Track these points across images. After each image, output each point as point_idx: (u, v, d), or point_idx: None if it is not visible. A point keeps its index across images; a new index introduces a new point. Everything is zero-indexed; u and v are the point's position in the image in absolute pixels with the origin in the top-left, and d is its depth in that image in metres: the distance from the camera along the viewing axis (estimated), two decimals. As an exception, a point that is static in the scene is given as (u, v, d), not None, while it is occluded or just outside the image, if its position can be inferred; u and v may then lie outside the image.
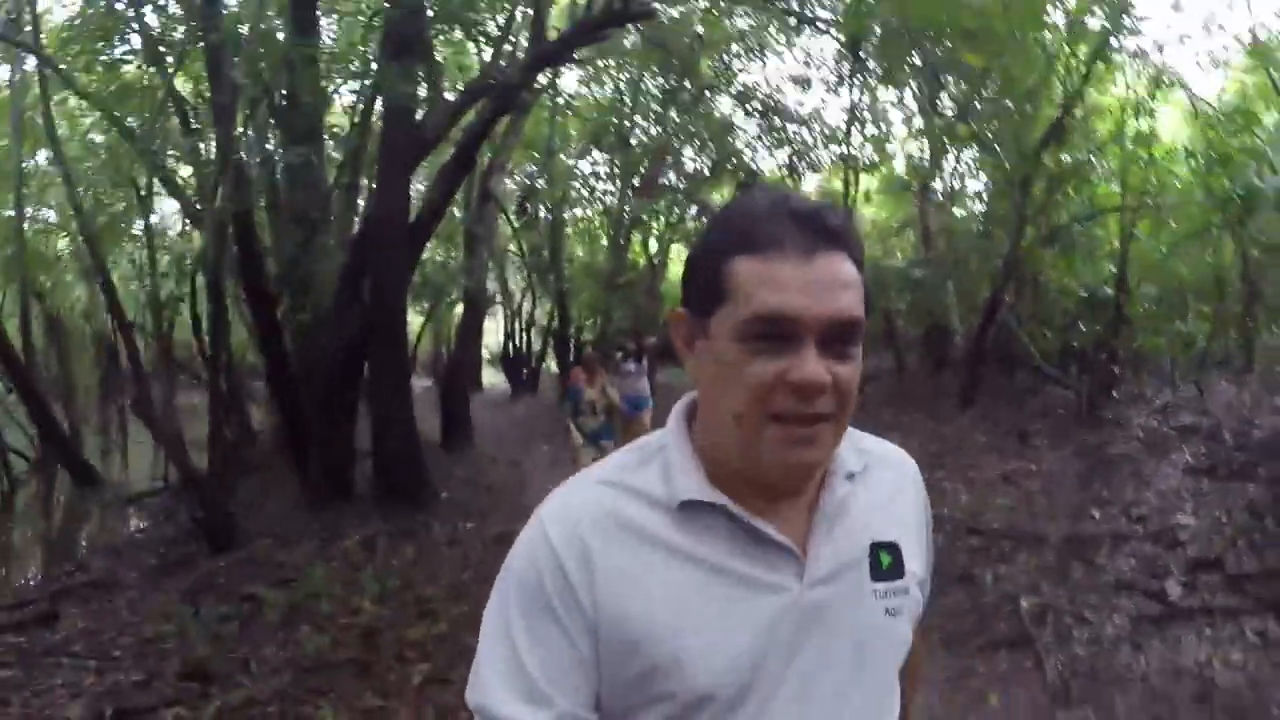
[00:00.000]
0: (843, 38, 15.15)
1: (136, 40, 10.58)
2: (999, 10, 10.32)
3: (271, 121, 10.36)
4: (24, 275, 15.50)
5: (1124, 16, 10.47)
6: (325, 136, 11.22)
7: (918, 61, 13.97)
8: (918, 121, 17.02)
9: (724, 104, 21.60)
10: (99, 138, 14.14)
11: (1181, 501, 7.23)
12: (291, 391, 9.69)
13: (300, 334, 9.81)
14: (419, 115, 9.27)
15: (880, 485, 1.16)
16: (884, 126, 18.77)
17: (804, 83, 19.86)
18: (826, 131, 19.71)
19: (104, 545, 9.73)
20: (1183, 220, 10.16)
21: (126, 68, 11.29)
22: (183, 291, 12.24)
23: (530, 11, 9.63)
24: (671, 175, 22.71)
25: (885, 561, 1.11)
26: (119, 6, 10.33)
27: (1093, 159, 11.87)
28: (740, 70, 20.47)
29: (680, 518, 1.04)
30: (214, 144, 9.57)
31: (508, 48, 11.04)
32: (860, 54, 15.41)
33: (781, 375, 0.97)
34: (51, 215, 18.02)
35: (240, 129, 9.12)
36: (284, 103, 10.01)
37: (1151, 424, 9.66)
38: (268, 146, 10.13)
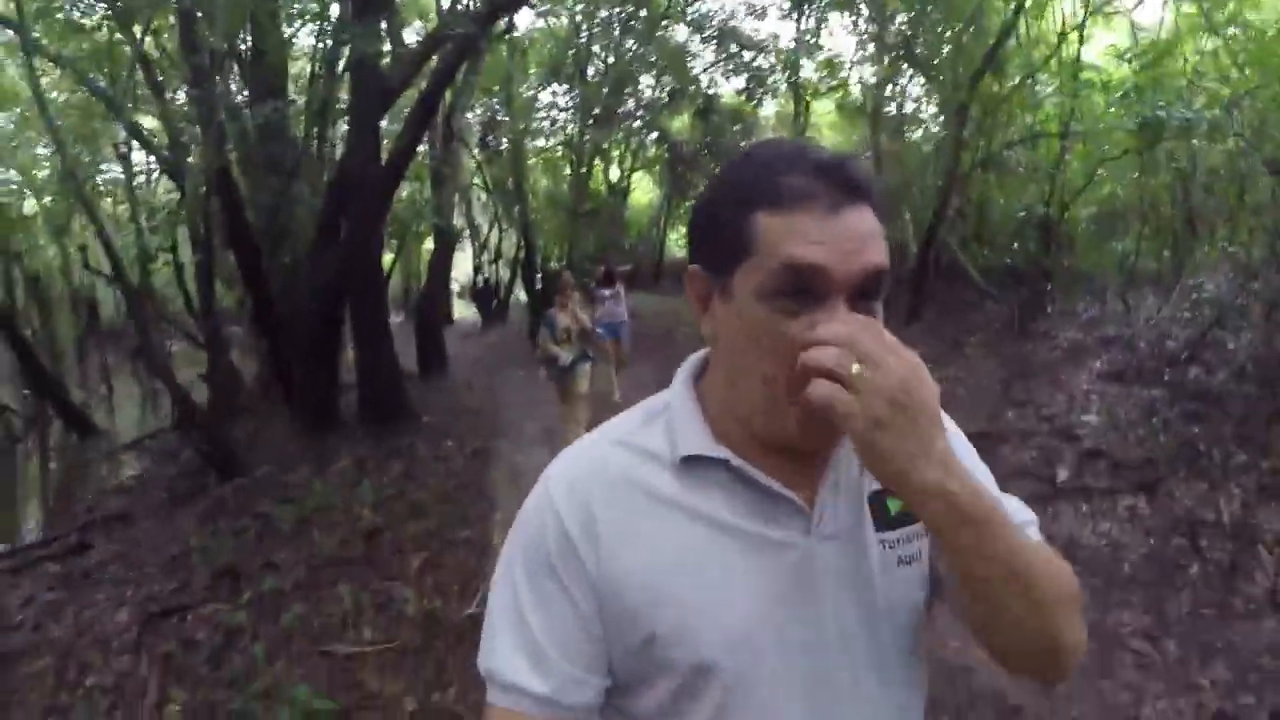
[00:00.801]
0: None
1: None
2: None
3: (238, 77, 11.03)
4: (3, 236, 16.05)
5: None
6: (291, 88, 11.91)
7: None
8: (870, 47, 17.75)
9: (680, 32, 22.26)
10: (62, 96, 14.59)
11: (1089, 403, 8.24)
12: (277, 332, 10.52)
13: (283, 278, 10.58)
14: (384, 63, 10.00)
15: None
16: (834, 52, 19.57)
17: (759, 11, 20.53)
18: (781, 58, 20.40)
19: (114, 487, 10.59)
20: (1110, 146, 11.01)
21: (89, 22, 11.79)
22: (165, 244, 12.92)
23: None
24: (630, 103, 23.35)
25: (894, 508, 1.08)
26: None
27: (1031, 85, 12.71)
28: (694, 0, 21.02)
29: (683, 474, 1.04)
30: (183, 101, 10.31)
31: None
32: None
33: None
34: (14, 175, 18.51)
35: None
36: (250, 58, 10.68)
37: (1077, 336, 10.64)
38: (238, 102, 10.80)
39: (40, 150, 18.37)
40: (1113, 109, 10.53)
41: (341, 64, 11.03)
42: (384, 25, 9.67)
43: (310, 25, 12.37)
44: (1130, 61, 11.43)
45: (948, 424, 1.09)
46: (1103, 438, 7.26)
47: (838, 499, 1.06)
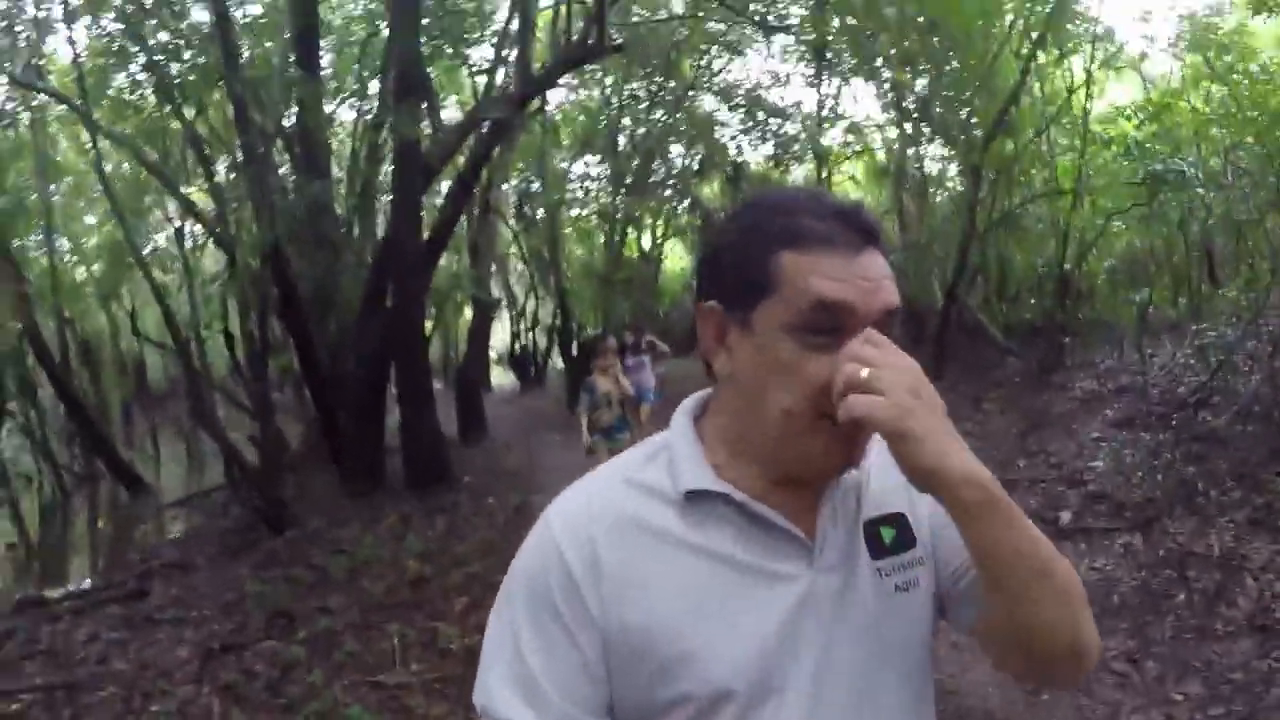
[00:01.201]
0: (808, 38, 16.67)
1: (139, 70, 11.88)
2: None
3: (285, 154, 11.85)
4: (59, 303, 17.00)
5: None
6: (335, 166, 12.74)
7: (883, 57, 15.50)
8: (891, 111, 18.40)
9: (708, 101, 23.06)
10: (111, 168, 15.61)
11: (1097, 450, 8.64)
12: (326, 396, 11.17)
13: (330, 345, 11.26)
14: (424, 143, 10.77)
15: (884, 460, 1.10)
16: (855, 117, 20.25)
17: (783, 79, 21.28)
18: (807, 123, 21.11)
19: (167, 540, 11.24)
20: (1116, 200, 11.52)
21: (142, 102, 12.70)
22: (215, 312, 13.73)
23: (516, 49, 11.11)
24: (661, 172, 24.12)
25: (888, 535, 1.12)
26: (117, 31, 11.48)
27: (1044, 142, 13.28)
28: (721, 70, 21.84)
29: (686, 510, 1.06)
30: (230, 176, 11.14)
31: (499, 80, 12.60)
32: (826, 54, 16.96)
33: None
34: (65, 243, 19.54)
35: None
36: (296, 136, 11.49)
37: (1092, 386, 11.03)
38: (286, 179, 11.62)
39: (89, 220, 19.56)
40: (1117, 164, 11.07)
41: (384, 142, 11.84)
42: (424, 106, 10.43)
43: (352, 101, 13.31)
44: (1130, 118, 11.98)
45: None
46: (1107, 481, 7.66)
47: (837, 530, 1.09)
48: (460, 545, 8.13)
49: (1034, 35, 12.14)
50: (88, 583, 9.87)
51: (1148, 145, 10.45)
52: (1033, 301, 12.64)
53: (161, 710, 5.43)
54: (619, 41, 10.56)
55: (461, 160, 11.85)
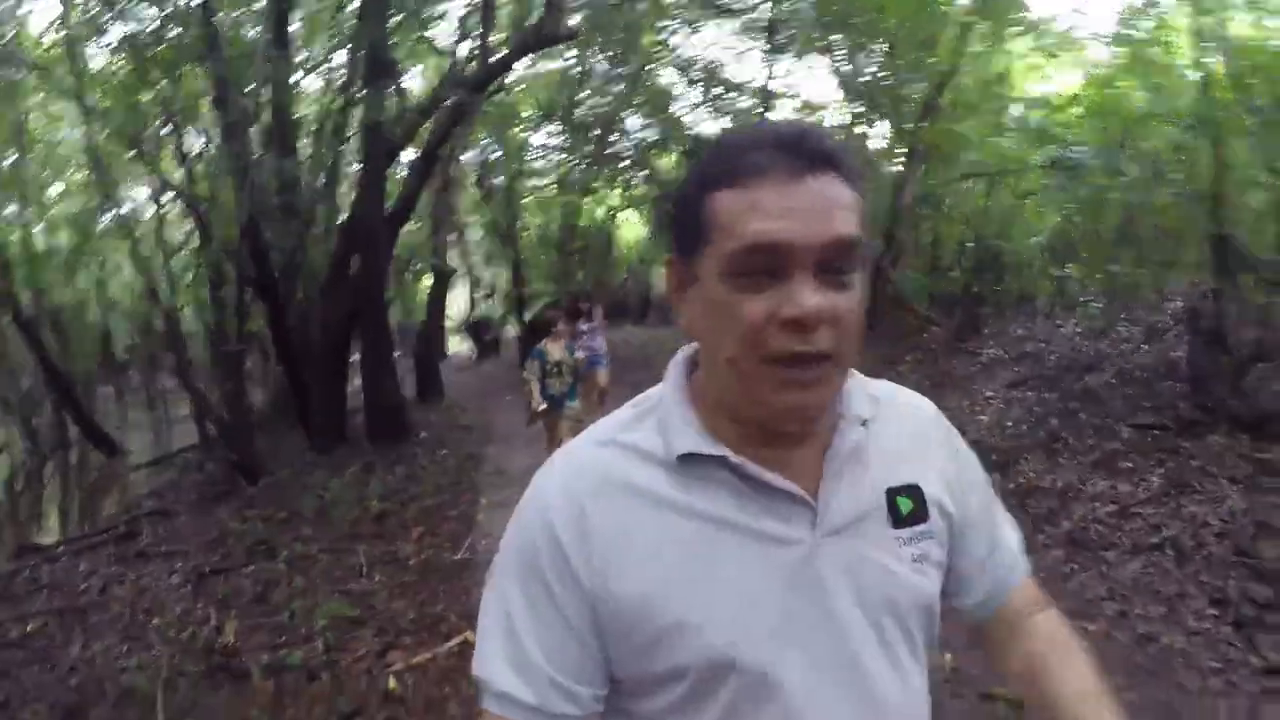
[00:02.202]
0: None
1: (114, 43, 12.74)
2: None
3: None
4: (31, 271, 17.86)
5: None
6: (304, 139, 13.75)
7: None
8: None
9: (666, 75, 24.07)
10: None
11: (987, 406, 9.94)
12: (294, 359, 12.24)
13: (299, 312, 12.33)
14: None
15: (896, 430, 1.15)
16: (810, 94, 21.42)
17: (741, 55, 22.36)
18: (758, 99, 22.21)
19: (148, 494, 12.32)
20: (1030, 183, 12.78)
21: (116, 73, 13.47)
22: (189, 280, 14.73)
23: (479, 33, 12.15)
24: (620, 143, 25.09)
25: (905, 507, 1.10)
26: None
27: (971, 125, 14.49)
28: (679, 46, 22.82)
29: (680, 473, 1.05)
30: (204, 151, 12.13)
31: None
32: (776, 33, 18.15)
33: (774, 312, 0.94)
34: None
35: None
36: (271, 114, 12.47)
37: (998, 352, 12.30)
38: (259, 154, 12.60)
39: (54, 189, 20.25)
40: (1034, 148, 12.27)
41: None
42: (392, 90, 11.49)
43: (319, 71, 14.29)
44: (1052, 106, 13.19)
45: (959, 443, 1.23)
46: (988, 433, 8.94)
47: (843, 492, 1.07)
48: (416, 487, 9.32)
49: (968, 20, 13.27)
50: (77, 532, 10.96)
51: (1054, 131, 11.63)
52: (951, 274, 13.88)
53: (163, 622, 6.54)
54: (575, 27, 11.61)
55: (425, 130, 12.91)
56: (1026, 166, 12.23)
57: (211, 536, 8.59)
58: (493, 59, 11.77)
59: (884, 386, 1.21)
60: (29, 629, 6.83)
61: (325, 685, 4.96)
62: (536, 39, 11.50)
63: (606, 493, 1.05)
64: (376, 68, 11.29)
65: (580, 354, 9.21)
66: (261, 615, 6.28)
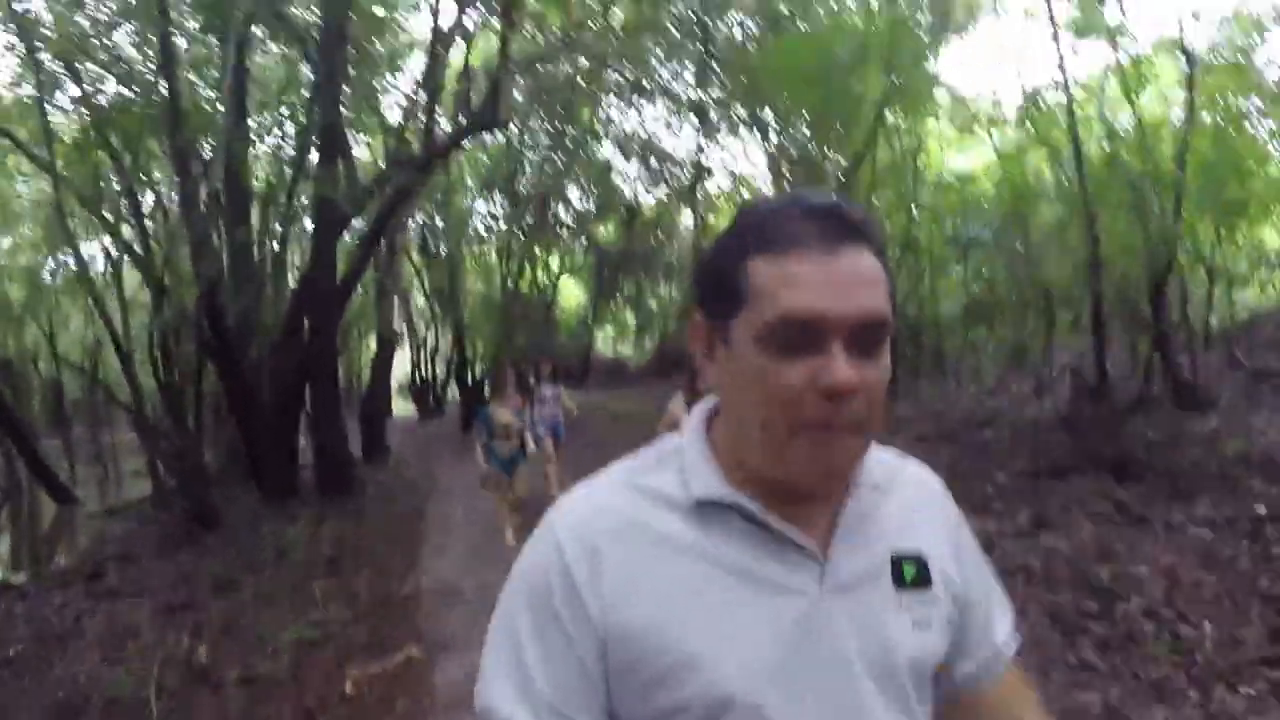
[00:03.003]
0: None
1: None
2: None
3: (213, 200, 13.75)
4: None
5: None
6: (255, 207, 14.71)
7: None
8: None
9: (606, 148, 25.39)
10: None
11: (890, 460, 11.05)
12: (247, 416, 13.05)
13: (250, 370, 13.15)
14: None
15: (904, 499, 1.21)
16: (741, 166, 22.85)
17: (676, 130, 23.76)
18: (690, 172, 23.60)
19: (104, 539, 12.99)
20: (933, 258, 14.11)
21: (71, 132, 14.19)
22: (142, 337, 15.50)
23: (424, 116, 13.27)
24: (560, 212, 26.30)
25: (909, 573, 1.15)
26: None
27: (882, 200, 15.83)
28: (617, 120, 24.16)
29: (696, 518, 1.10)
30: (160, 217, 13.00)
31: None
32: (706, 116, 19.52)
33: (810, 381, 1.00)
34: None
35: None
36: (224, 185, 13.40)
37: (910, 411, 13.50)
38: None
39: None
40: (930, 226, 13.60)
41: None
42: (341, 168, 12.53)
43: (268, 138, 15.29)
44: (958, 184, 14.60)
45: (961, 520, 1.28)
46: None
47: (852, 551, 1.12)
48: (365, 534, 10.21)
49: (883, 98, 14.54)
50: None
51: (950, 211, 12.99)
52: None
53: (138, 646, 7.32)
54: (503, 118, 12.79)
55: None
56: (930, 241, 13.57)
57: (175, 577, 9.34)
58: (436, 141, 12.88)
59: (893, 455, 1.27)
60: (10, 653, 7.55)
61: (291, 691, 5.82)
62: (479, 121, 12.63)
63: (621, 532, 1.09)
64: (328, 145, 12.34)
65: (541, 426, 9.65)
66: (230, 640, 7.11)
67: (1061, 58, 11.63)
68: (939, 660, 1.18)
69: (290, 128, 15.54)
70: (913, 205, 14.53)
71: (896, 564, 1.16)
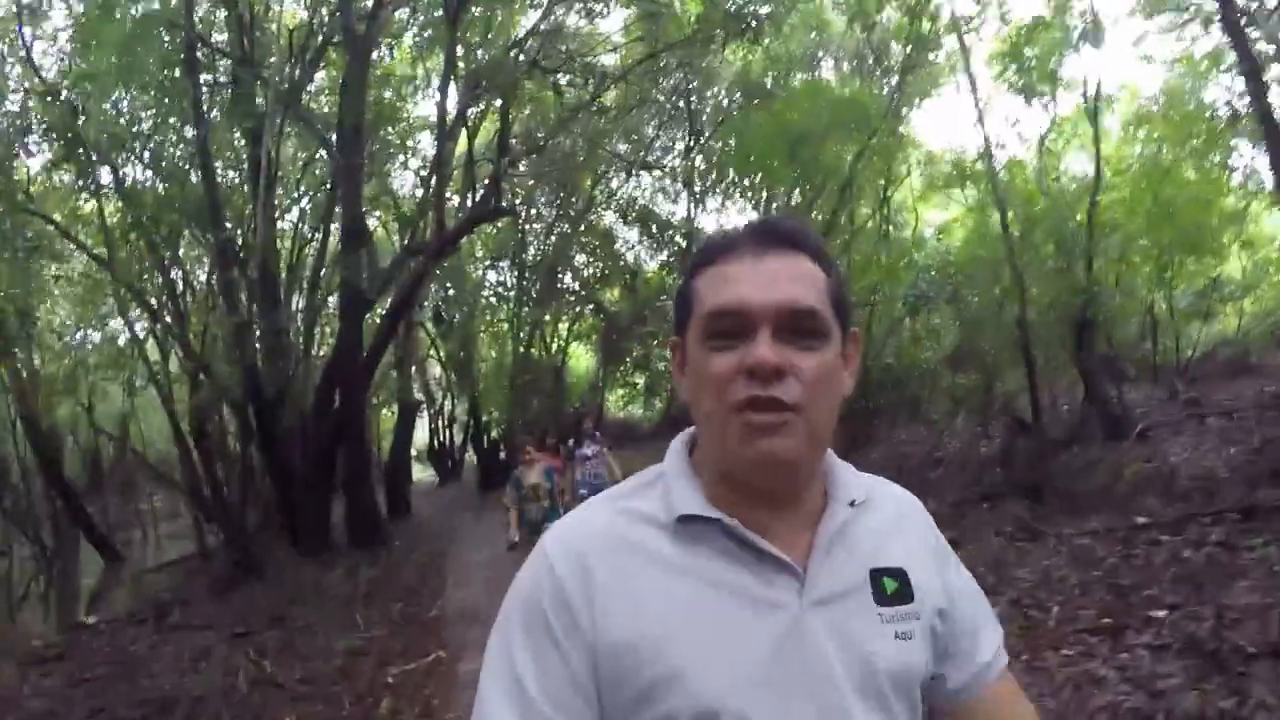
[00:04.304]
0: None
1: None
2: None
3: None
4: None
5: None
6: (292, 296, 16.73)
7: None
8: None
9: (608, 217, 27.28)
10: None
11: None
12: (283, 477, 14.89)
13: (285, 439, 15.01)
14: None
15: (883, 516, 1.29)
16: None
17: (674, 197, 25.63)
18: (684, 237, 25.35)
19: (156, 589, 14.84)
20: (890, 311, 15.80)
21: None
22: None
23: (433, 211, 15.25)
24: (568, 278, 28.05)
25: (890, 587, 1.22)
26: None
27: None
28: (618, 191, 26.03)
29: (678, 534, 1.18)
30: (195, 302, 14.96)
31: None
32: (693, 186, 21.51)
33: (739, 364, 1.12)
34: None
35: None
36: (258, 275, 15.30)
37: (880, 455, 15.15)
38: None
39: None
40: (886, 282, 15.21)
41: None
42: (364, 257, 14.49)
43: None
44: (916, 246, 16.36)
45: (940, 535, 1.36)
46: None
47: (831, 566, 1.19)
48: (395, 576, 12.01)
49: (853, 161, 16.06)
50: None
51: (901, 270, 14.69)
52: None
53: (207, 667, 9.08)
54: (512, 208, 14.78)
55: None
56: (891, 296, 15.23)
57: (231, 613, 11.12)
58: (445, 231, 14.84)
59: (874, 478, 1.36)
60: (100, 672, 9.31)
61: (345, 686, 7.59)
62: (482, 213, 14.64)
63: (610, 551, 1.17)
64: (351, 236, 14.31)
65: (583, 489, 9.48)
66: (288, 655, 8.88)
67: (981, 118, 13.39)
68: (923, 673, 1.23)
69: (309, 213, 17.72)
70: (880, 260, 16.12)
71: (877, 578, 1.22)
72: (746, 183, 20.68)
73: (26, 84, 14.64)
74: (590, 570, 1.15)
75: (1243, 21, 10.40)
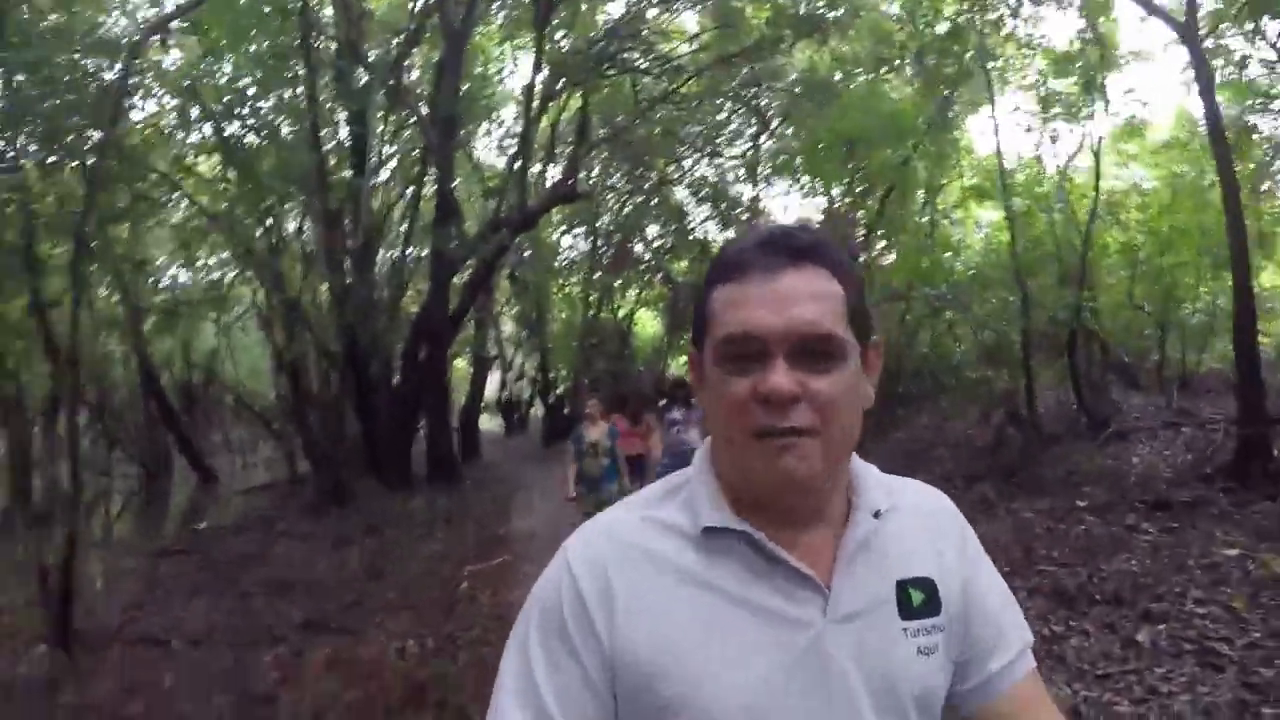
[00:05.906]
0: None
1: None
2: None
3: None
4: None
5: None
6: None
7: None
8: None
9: (680, 192, 29.22)
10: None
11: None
12: (370, 418, 17.58)
13: (375, 385, 17.66)
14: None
15: (911, 523, 1.29)
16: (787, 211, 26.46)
17: (742, 177, 27.58)
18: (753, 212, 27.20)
19: (248, 510, 17.62)
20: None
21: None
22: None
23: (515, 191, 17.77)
24: (639, 248, 29.61)
25: (916, 599, 1.23)
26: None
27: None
28: (691, 167, 27.79)
29: (703, 546, 1.20)
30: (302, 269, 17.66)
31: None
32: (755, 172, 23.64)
33: (753, 391, 1.12)
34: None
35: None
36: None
37: (904, 436, 17.35)
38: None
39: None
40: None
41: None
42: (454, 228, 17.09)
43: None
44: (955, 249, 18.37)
45: (973, 538, 1.35)
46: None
47: (855, 580, 1.21)
48: (468, 507, 14.73)
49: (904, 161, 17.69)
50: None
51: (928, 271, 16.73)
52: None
53: (317, 561, 11.72)
54: (588, 190, 17.24)
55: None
56: (916, 295, 17.19)
57: (327, 530, 13.73)
58: (528, 206, 17.38)
59: (901, 481, 1.36)
60: (220, 564, 11.88)
61: (432, 579, 10.22)
62: (558, 196, 17.17)
63: (631, 562, 1.20)
64: (443, 208, 16.94)
65: (667, 457, 9.11)
66: (383, 558, 11.52)
67: (998, 136, 15.35)
68: (945, 687, 1.26)
69: (404, 188, 20.38)
70: (920, 261, 17.91)
71: (903, 589, 1.24)
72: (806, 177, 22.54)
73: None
74: (610, 580, 1.19)
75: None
